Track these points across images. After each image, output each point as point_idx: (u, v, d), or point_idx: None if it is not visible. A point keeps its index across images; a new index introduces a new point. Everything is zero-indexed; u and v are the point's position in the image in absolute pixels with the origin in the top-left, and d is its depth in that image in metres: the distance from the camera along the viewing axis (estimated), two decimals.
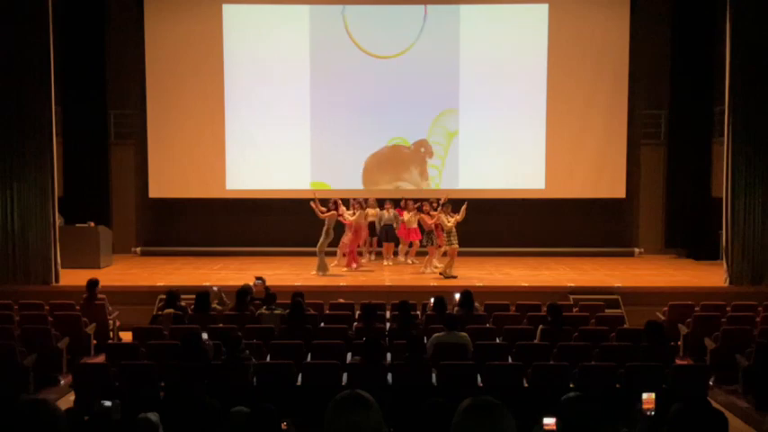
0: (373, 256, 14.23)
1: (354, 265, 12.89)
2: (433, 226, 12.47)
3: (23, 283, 11.17)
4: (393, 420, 4.49)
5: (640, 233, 15.67)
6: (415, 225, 13.39)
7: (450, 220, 11.95)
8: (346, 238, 12.86)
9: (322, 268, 12.29)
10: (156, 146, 15.25)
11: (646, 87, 15.40)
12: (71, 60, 14.42)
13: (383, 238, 13.70)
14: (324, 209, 12.32)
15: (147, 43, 15.11)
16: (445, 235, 12.04)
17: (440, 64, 15.13)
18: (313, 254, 12.66)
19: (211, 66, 15.08)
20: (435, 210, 12.39)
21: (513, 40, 15.11)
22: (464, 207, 12.13)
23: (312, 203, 12.36)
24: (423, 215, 12.64)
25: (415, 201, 13.51)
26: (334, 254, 13.18)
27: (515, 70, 15.12)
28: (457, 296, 8.66)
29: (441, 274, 12.11)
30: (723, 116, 11.84)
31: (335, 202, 12.66)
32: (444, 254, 12.37)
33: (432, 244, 12.63)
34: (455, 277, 11.96)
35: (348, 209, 12.92)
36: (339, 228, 12.76)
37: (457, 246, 12.01)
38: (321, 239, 12.27)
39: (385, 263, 13.51)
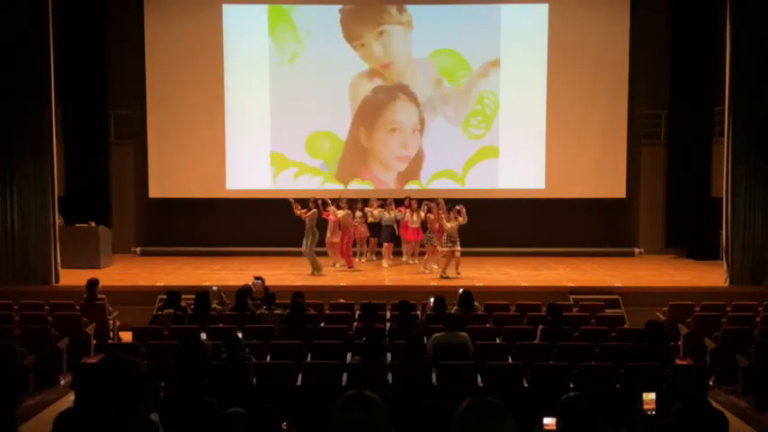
0: (373, 257, 14.24)
1: (353, 265, 12.92)
2: (436, 227, 12.48)
3: (23, 283, 11.16)
4: (393, 420, 4.49)
5: (640, 233, 15.66)
6: (417, 225, 13.40)
7: (451, 223, 11.95)
8: (335, 237, 12.83)
9: (317, 268, 12.32)
10: (156, 146, 15.26)
11: (646, 87, 15.39)
12: (71, 60, 14.40)
13: (384, 238, 13.70)
14: (304, 210, 12.32)
15: (147, 43, 15.11)
16: (445, 237, 12.03)
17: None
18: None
19: (211, 66, 15.08)
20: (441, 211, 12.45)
21: (513, 40, 15.11)
22: (463, 211, 12.07)
23: (293, 204, 12.37)
24: (429, 215, 12.57)
25: (419, 201, 13.59)
26: (323, 254, 13.18)
27: (515, 70, 15.12)
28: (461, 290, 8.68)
29: (441, 276, 12.11)
30: (723, 116, 11.84)
31: (316, 201, 12.61)
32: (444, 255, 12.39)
33: (431, 243, 12.63)
34: (448, 277, 11.98)
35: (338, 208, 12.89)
36: (322, 225, 12.78)
37: (457, 249, 11.99)
38: (306, 240, 12.30)
39: (385, 263, 13.50)
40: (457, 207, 12.14)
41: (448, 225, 11.94)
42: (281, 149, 15.28)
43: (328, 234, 12.84)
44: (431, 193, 14.46)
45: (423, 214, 13.31)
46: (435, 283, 11.61)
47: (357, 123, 15.35)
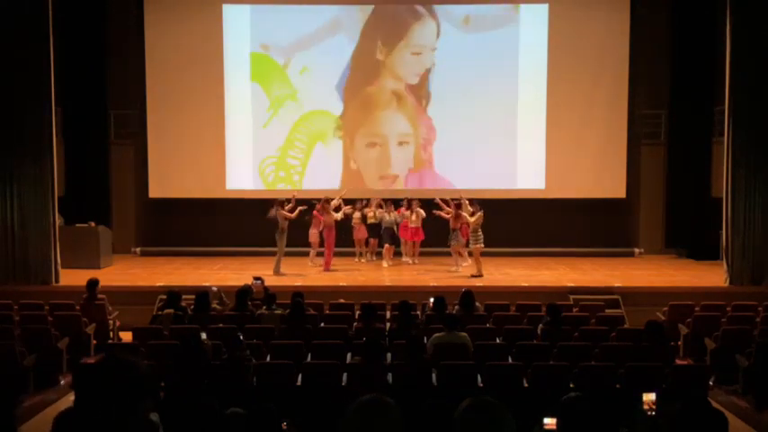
0: (373, 257, 14.21)
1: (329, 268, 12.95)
2: (458, 225, 12.52)
3: (23, 283, 11.17)
4: None
5: (640, 233, 15.66)
6: (417, 225, 13.40)
7: (475, 217, 12.07)
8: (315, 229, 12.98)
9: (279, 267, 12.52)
10: (156, 146, 15.26)
11: (646, 87, 15.40)
12: (71, 60, 14.40)
13: (385, 240, 13.64)
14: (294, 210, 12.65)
15: (147, 43, 15.12)
16: (471, 233, 12.10)
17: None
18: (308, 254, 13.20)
19: (211, 66, 15.08)
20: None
21: (513, 40, 15.10)
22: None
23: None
24: (462, 213, 12.46)
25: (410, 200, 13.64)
26: (306, 253, 13.45)
27: (516, 70, 15.12)
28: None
29: (472, 276, 12.14)
30: (723, 116, 11.85)
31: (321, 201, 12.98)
32: (469, 254, 12.42)
33: (457, 243, 12.63)
34: (481, 275, 12.08)
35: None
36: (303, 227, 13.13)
37: (481, 245, 12.11)
38: (283, 240, 12.49)
39: (385, 263, 13.45)
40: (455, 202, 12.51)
41: (472, 219, 11.97)
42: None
43: (312, 229, 13.08)
44: (431, 193, 14.47)
45: (422, 212, 13.33)
46: (435, 283, 11.61)
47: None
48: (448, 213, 12.63)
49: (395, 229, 13.66)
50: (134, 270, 13.10)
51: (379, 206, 13.88)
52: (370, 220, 13.74)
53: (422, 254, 14.02)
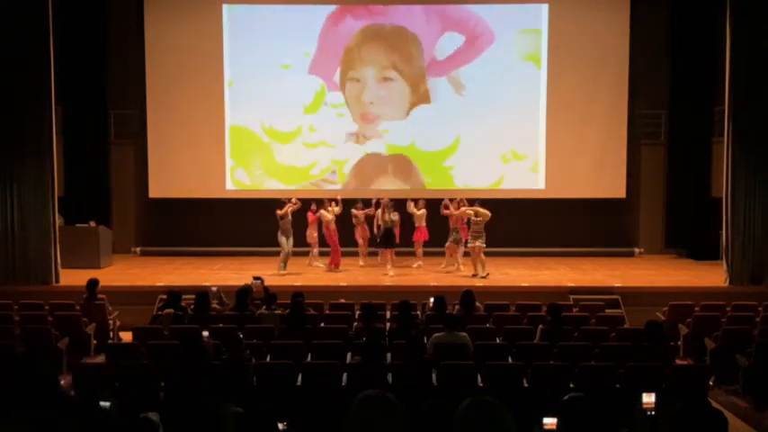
0: (378, 258, 14.02)
1: (334, 266, 12.97)
2: (458, 223, 12.53)
3: (23, 283, 11.17)
4: None
5: (640, 233, 15.67)
6: (423, 223, 13.26)
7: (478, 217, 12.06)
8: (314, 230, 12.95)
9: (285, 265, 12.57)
10: (156, 146, 15.25)
11: (646, 87, 15.39)
12: (71, 60, 14.40)
13: (383, 243, 13.40)
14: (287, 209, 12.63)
15: (147, 43, 15.11)
16: (474, 232, 12.10)
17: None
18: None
19: (211, 66, 15.08)
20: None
21: (513, 41, 15.10)
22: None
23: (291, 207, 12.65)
24: (466, 211, 12.43)
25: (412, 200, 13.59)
26: (306, 253, 13.45)
27: (515, 70, 15.11)
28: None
29: (473, 275, 12.11)
30: (723, 116, 11.85)
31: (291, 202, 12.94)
32: (466, 254, 12.47)
33: (457, 242, 12.62)
34: (483, 276, 12.03)
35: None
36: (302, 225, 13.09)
37: (482, 244, 12.07)
38: (290, 240, 12.57)
39: (391, 272, 12.75)
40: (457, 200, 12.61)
41: (478, 218, 11.99)
42: None
43: (308, 230, 13.06)
44: (432, 194, 14.45)
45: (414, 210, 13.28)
46: (435, 283, 11.61)
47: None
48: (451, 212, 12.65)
49: (394, 230, 13.51)
50: (134, 270, 13.10)
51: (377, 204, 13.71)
52: (379, 222, 13.52)
53: (425, 254, 13.88)
